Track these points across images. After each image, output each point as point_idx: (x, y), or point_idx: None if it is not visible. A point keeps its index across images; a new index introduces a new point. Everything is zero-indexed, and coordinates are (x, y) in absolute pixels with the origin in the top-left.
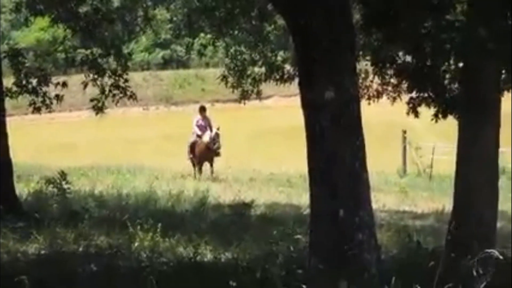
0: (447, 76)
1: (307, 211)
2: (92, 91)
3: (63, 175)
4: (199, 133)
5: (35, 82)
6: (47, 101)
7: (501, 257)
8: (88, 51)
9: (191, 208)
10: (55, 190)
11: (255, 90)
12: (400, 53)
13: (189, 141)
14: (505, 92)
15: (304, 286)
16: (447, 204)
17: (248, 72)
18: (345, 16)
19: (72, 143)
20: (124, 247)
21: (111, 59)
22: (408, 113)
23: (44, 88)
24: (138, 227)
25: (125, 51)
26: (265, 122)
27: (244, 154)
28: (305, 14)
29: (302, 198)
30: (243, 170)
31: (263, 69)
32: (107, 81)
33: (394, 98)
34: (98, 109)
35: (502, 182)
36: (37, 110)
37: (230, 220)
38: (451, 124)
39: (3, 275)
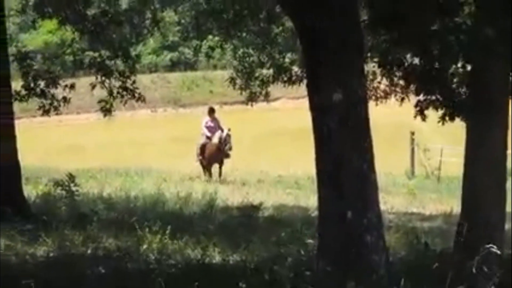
0: (455, 79)
1: (315, 213)
2: (101, 93)
3: (71, 177)
4: (209, 134)
5: (43, 85)
6: (55, 104)
7: (498, 252)
8: (96, 54)
9: (199, 210)
10: (64, 192)
11: (263, 92)
12: (408, 56)
13: (198, 143)
14: None
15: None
16: (455, 206)
17: (256, 74)
18: (353, 18)
19: (81, 145)
20: (132, 249)
21: (119, 61)
22: (415, 116)
23: (52, 91)
24: (147, 229)
25: (133, 53)
26: (273, 124)
27: (252, 156)
28: (313, 15)
29: (310, 200)
30: (251, 172)
31: (271, 71)
32: (115, 83)
33: (403, 99)
34: (106, 110)
35: (510, 184)
36: (45, 112)
37: (238, 222)
38: (459, 126)
39: (12, 277)
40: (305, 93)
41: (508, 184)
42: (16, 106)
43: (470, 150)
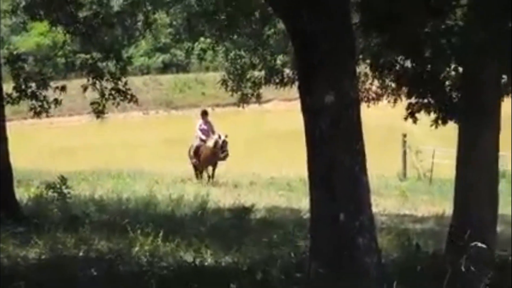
0: (447, 82)
1: (307, 215)
2: (92, 95)
3: (63, 179)
4: (203, 137)
5: (34, 87)
6: (46, 106)
7: (484, 246)
8: (88, 56)
9: (191, 212)
10: (55, 195)
11: (254, 94)
12: (400, 58)
13: (192, 145)
14: (508, 96)
15: None
16: (447, 208)
17: (248, 76)
18: (345, 20)
19: (72, 147)
20: (124, 251)
21: (110, 63)
22: (406, 118)
23: (43, 93)
24: (139, 231)
25: (125, 55)
26: (265, 126)
27: (244, 158)
28: (305, 18)
29: (302, 202)
30: (243, 174)
31: (262, 73)
32: (107, 85)
33: (395, 100)
34: (99, 112)
35: (502, 185)
36: (36, 114)
37: (230, 224)
38: (451, 128)
39: (4, 279)
40: (297, 95)
41: (500, 186)
42: (8, 109)
43: (462, 152)
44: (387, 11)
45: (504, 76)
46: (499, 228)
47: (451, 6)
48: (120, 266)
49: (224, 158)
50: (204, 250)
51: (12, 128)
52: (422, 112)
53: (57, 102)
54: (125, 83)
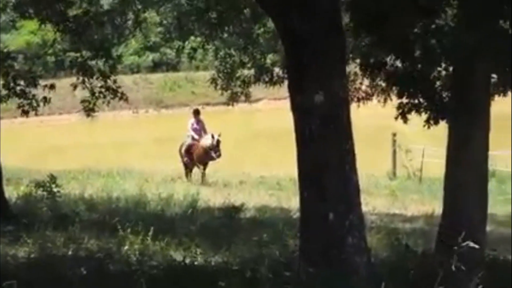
0: (438, 82)
1: (297, 214)
2: (82, 94)
3: (52, 178)
4: (196, 136)
5: (23, 85)
6: (35, 104)
7: (476, 246)
8: (78, 54)
9: (181, 211)
10: (45, 193)
11: (244, 92)
12: (390, 58)
13: (184, 144)
14: (498, 96)
15: None
16: (437, 207)
17: (237, 75)
18: (335, 20)
19: (62, 146)
20: (114, 250)
21: (100, 62)
22: (396, 118)
23: (32, 91)
24: (128, 230)
25: (115, 54)
26: (255, 125)
27: (234, 157)
28: (295, 18)
29: (292, 201)
30: (233, 173)
31: (252, 72)
32: (97, 83)
33: (385, 100)
34: (89, 110)
35: (492, 185)
36: (25, 113)
37: (220, 223)
38: (441, 127)
39: None
40: (287, 94)
41: (489, 186)
42: None
43: (452, 151)
44: (377, 10)
45: (494, 76)
46: (488, 228)
47: (441, 5)
48: (109, 265)
49: (217, 157)
50: (194, 249)
51: (1, 126)
52: (413, 112)
53: (46, 100)
54: (115, 81)
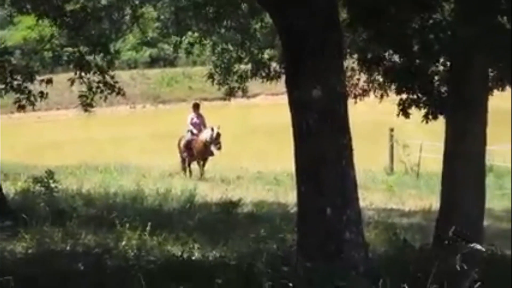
0: (436, 77)
1: (294, 209)
2: (80, 89)
3: (50, 173)
4: (195, 131)
5: (20, 79)
6: (32, 99)
7: (483, 249)
8: (75, 49)
9: (178, 206)
10: (43, 189)
11: (241, 87)
12: (388, 53)
13: (184, 138)
14: (497, 91)
15: (290, 284)
16: (434, 202)
17: (234, 70)
18: (332, 15)
19: (60, 141)
20: (111, 245)
21: (98, 57)
22: (398, 115)
23: (29, 86)
24: (126, 225)
25: (112, 49)
26: (253, 120)
27: (232, 152)
28: (293, 13)
29: (289, 196)
30: (231, 169)
31: (249, 66)
32: (94, 78)
33: (382, 96)
34: (87, 105)
35: (489, 180)
36: (21, 108)
37: (217, 219)
38: (438, 122)
39: None
40: (285, 89)
41: (487, 180)
42: None
43: (450, 146)
44: (374, 5)
45: (491, 71)
46: (486, 223)
47: (438, 0)
48: (107, 260)
49: (218, 150)
50: (192, 244)
51: None
52: (413, 107)
53: (42, 95)
54: (112, 77)
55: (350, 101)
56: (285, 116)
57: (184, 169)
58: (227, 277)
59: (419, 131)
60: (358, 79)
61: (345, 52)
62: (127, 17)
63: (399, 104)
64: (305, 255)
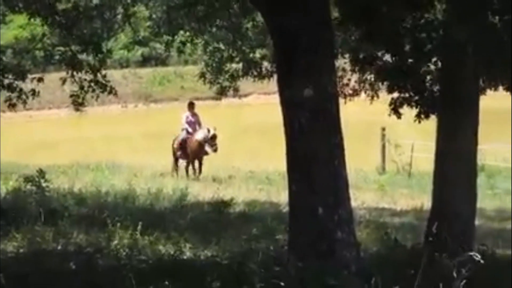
0: (429, 77)
1: (286, 208)
2: (71, 89)
3: (41, 173)
4: (190, 130)
5: (11, 77)
6: (23, 97)
7: (481, 261)
8: (67, 48)
9: (170, 206)
10: (34, 188)
11: (232, 86)
12: (380, 53)
13: (178, 138)
14: (490, 90)
15: (281, 283)
16: (426, 201)
17: (226, 69)
18: (324, 15)
19: (51, 141)
20: (103, 245)
21: (89, 56)
22: (390, 115)
23: (20, 84)
24: (118, 225)
25: (104, 48)
26: (244, 120)
27: (224, 152)
28: (285, 13)
29: (281, 196)
30: (223, 168)
31: (240, 65)
32: (86, 77)
33: (372, 96)
34: (79, 104)
35: (481, 179)
36: (12, 106)
37: (209, 218)
38: (430, 122)
39: None
40: (276, 88)
41: (478, 180)
42: None
43: (441, 145)
44: (366, 4)
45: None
46: (477, 222)
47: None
48: (99, 259)
49: (214, 151)
50: (183, 244)
51: None
52: (404, 106)
53: (34, 93)
54: (104, 76)
55: (341, 101)
56: (277, 115)
57: (176, 169)
58: (219, 276)
59: (410, 131)
60: (349, 79)
61: (337, 52)
62: (119, 16)
63: (390, 104)
64: (297, 254)
